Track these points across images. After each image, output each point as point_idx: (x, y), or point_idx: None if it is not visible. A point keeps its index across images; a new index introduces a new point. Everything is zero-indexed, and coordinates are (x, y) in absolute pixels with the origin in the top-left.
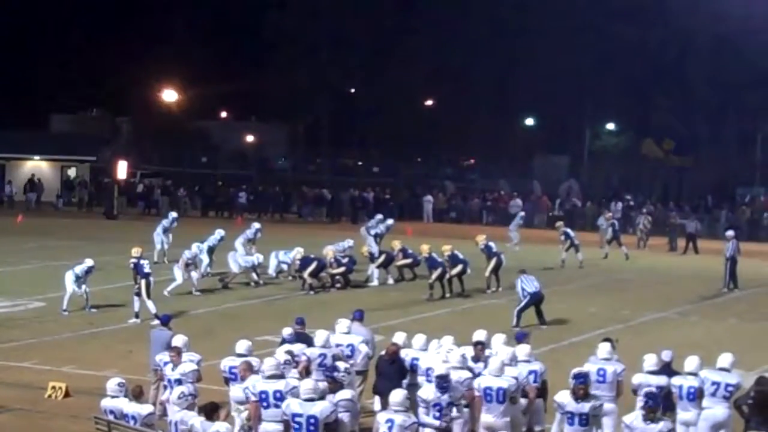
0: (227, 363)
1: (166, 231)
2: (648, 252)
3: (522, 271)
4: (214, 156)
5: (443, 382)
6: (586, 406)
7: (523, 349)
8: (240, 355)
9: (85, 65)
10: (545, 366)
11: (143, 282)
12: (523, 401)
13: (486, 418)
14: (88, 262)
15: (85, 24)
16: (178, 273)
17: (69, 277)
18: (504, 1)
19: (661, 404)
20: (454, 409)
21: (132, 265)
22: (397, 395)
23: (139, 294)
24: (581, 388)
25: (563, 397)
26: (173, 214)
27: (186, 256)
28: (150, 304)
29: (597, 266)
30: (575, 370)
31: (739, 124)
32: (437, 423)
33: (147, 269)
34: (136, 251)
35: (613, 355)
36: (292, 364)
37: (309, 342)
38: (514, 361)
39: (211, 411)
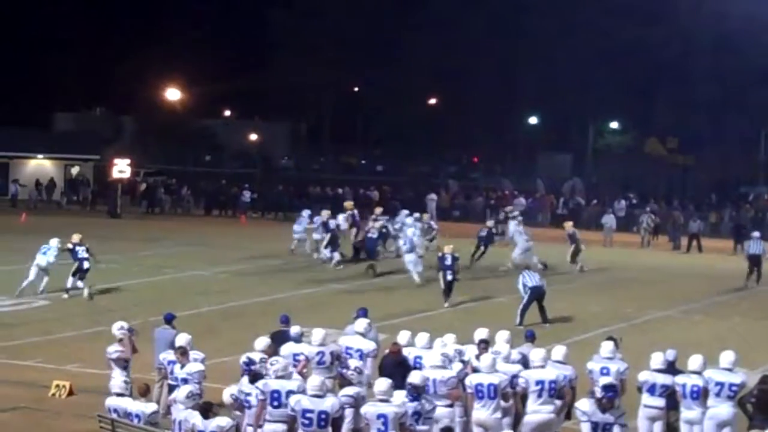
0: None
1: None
2: (651, 250)
3: (526, 267)
4: (217, 155)
5: (414, 391)
6: (611, 417)
7: (559, 351)
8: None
9: (88, 64)
10: (576, 372)
11: (76, 264)
12: (558, 402)
13: (478, 414)
14: (53, 242)
15: (89, 23)
16: None
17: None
18: (508, 0)
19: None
20: (422, 423)
21: (70, 248)
22: (382, 384)
23: (74, 274)
24: (611, 400)
25: (586, 405)
26: (308, 212)
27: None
28: (77, 282)
29: (600, 265)
30: (605, 382)
31: (743, 123)
32: None
33: (81, 254)
34: (76, 238)
35: (616, 353)
36: (292, 364)
37: (287, 341)
38: (544, 361)
39: (206, 410)
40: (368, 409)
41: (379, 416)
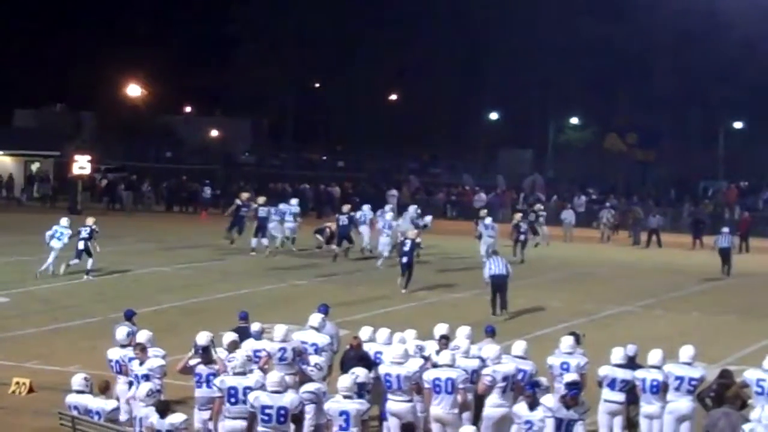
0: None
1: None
2: (611, 246)
3: (494, 252)
4: (178, 151)
5: (363, 390)
6: (575, 414)
7: (519, 346)
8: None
9: (48, 60)
10: (537, 367)
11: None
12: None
13: (436, 410)
14: (63, 222)
15: (49, 18)
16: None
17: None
18: None
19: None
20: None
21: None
22: (346, 380)
23: (85, 253)
24: (574, 397)
25: (550, 402)
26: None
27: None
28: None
29: (560, 260)
30: (569, 379)
31: (703, 119)
32: None
33: (82, 234)
34: (89, 221)
35: (576, 348)
36: (254, 360)
37: (247, 336)
38: (499, 357)
39: (164, 410)
40: (331, 406)
41: (341, 413)
